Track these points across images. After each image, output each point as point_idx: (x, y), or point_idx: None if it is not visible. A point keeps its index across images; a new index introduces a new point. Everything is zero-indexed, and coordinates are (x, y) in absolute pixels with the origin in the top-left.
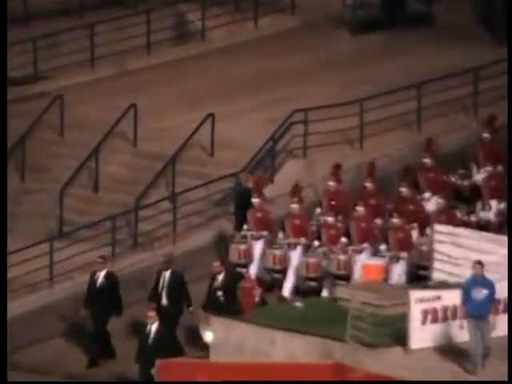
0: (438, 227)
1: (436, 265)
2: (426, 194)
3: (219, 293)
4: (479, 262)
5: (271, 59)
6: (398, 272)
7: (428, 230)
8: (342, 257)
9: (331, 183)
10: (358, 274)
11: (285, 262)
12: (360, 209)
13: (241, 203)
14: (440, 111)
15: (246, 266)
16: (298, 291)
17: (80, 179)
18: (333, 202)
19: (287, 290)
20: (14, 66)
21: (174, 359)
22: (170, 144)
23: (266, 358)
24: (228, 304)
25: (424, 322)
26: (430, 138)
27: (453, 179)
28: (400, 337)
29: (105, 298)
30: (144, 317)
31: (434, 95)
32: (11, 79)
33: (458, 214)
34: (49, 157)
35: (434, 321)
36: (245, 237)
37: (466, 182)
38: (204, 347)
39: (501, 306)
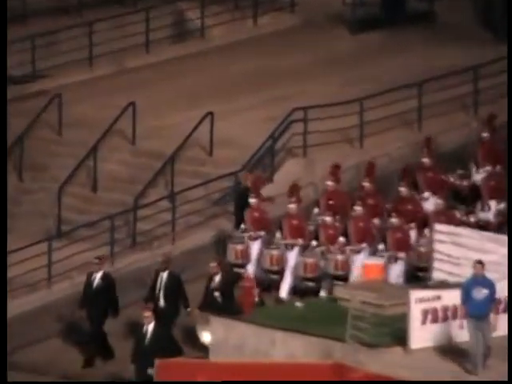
0: (439, 227)
1: (436, 264)
2: (426, 194)
3: (216, 294)
4: (480, 262)
5: (271, 57)
6: (396, 272)
7: (426, 231)
8: (340, 257)
9: (329, 183)
10: (355, 274)
11: (282, 262)
12: (358, 208)
13: (240, 202)
14: (440, 110)
15: (243, 266)
16: (295, 291)
17: (78, 178)
18: (331, 202)
19: (284, 290)
20: (13, 65)
21: (174, 359)
22: (168, 142)
23: (266, 358)
24: (225, 305)
25: (424, 322)
26: (429, 137)
27: (451, 179)
28: (400, 337)
29: (101, 300)
30: (141, 317)
31: (434, 94)
32: (10, 78)
33: (457, 215)
34: (47, 156)
35: (434, 321)
36: (242, 237)
37: (465, 182)
38: (202, 347)
39: (501, 306)
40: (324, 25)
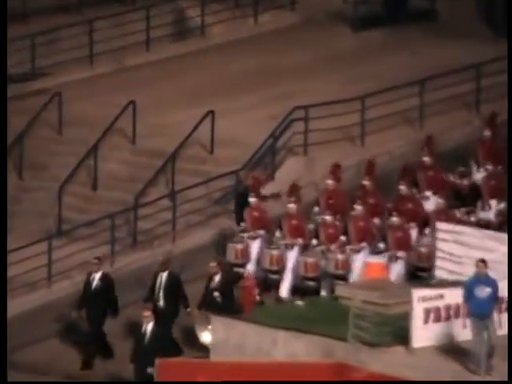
0: (441, 225)
1: (438, 263)
2: (427, 193)
3: (216, 293)
4: (482, 261)
5: (271, 56)
6: (397, 271)
7: (427, 230)
8: (340, 256)
9: (329, 182)
10: (356, 274)
11: (282, 262)
12: (358, 207)
13: (241, 201)
14: (442, 108)
15: (243, 265)
16: (296, 291)
17: (79, 177)
18: (331, 201)
19: (285, 290)
20: (13, 63)
21: (174, 359)
22: (169, 141)
23: (267, 357)
24: (225, 305)
25: (426, 321)
26: (429, 135)
27: (452, 178)
28: (402, 336)
29: (100, 300)
30: (140, 317)
31: (436, 92)
32: (10, 76)
33: (458, 214)
34: (47, 154)
35: (437, 320)
36: (242, 236)
37: (465, 182)
38: (202, 347)
39: (503, 305)
40: (325, 23)
